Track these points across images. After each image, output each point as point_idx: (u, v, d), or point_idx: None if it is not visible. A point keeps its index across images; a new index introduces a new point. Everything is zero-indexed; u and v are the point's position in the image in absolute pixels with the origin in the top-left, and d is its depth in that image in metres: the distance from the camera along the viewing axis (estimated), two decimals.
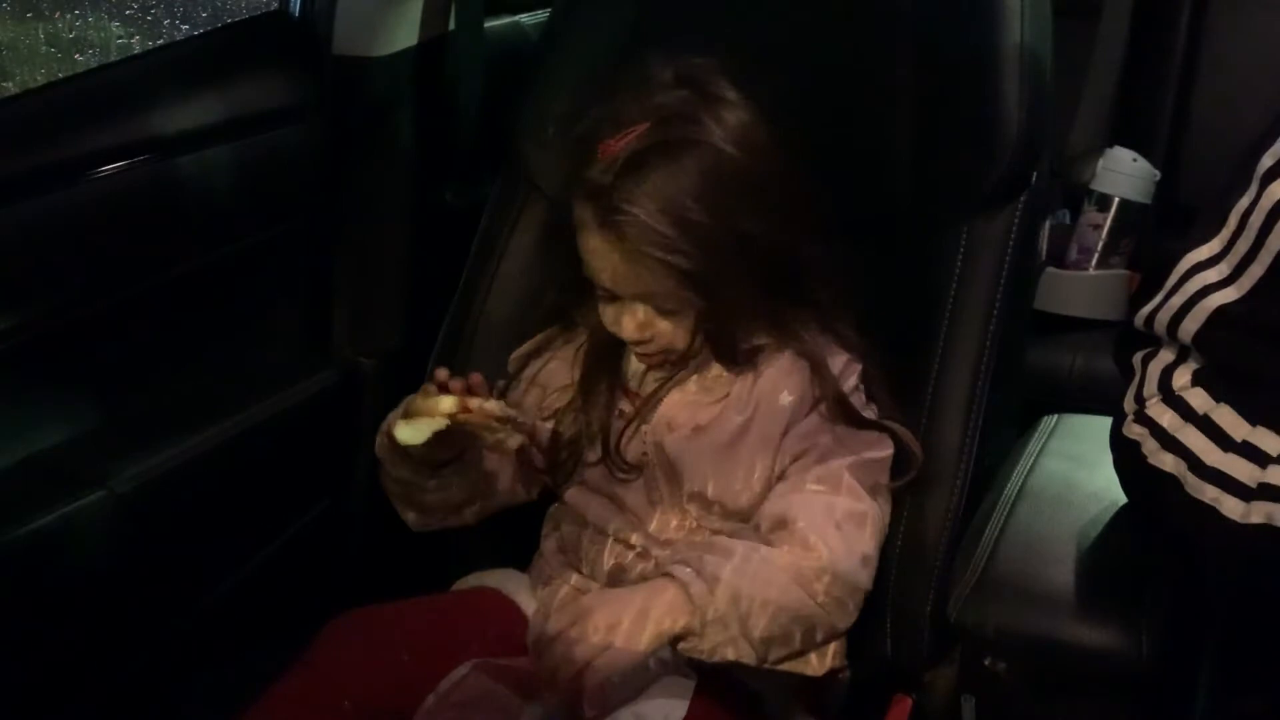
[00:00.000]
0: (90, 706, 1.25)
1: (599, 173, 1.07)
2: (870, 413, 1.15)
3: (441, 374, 1.13)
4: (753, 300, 1.11)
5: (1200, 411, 1.02)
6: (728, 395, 1.14)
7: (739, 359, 1.14)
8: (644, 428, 1.15)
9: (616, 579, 1.16)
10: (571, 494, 1.20)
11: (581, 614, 1.05)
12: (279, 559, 1.45)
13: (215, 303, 1.39)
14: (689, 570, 1.06)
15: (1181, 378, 1.05)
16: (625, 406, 1.17)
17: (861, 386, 1.16)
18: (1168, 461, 1.03)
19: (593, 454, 1.18)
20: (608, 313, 1.13)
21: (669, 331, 1.12)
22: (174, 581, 1.32)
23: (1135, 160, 1.91)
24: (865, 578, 1.11)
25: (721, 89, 1.10)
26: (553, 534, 1.22)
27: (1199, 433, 1.01)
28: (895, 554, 1.16)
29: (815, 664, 1.12)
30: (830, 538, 1.08)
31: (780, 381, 1.13)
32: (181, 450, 1.31)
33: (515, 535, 1.27)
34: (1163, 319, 1.05)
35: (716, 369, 1.15)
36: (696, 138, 1.07)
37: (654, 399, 1.16)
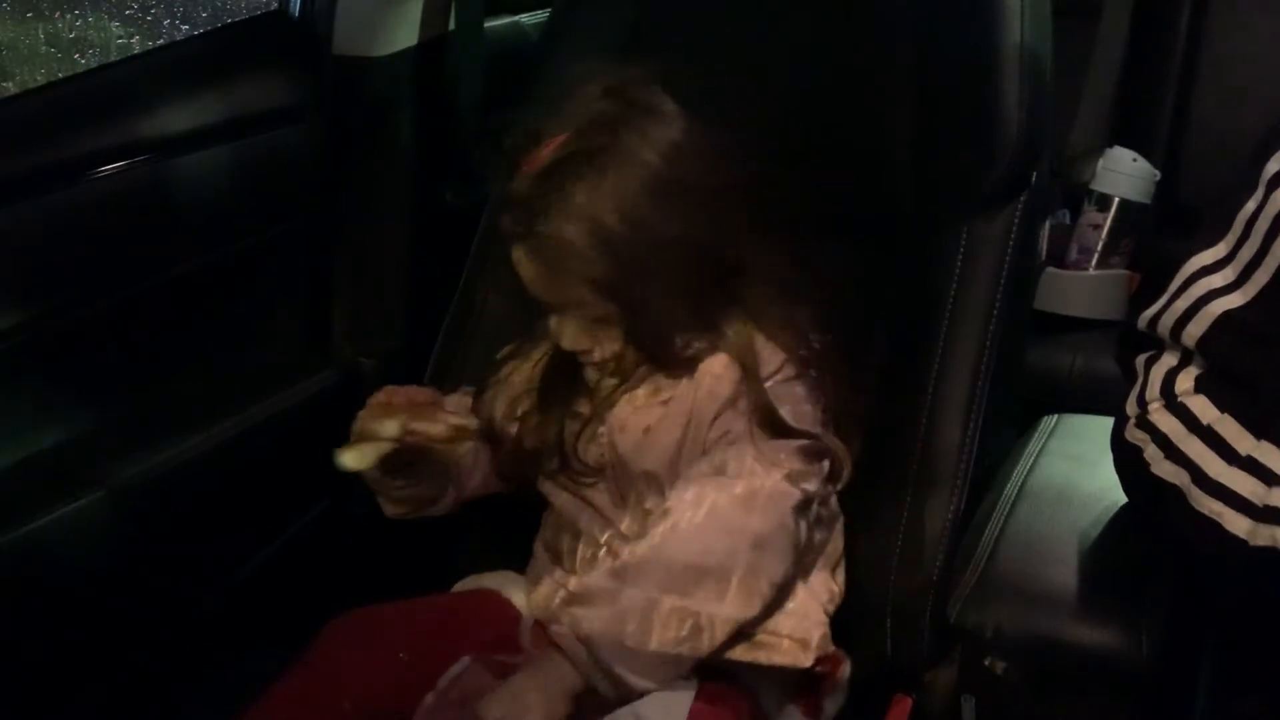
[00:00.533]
0: (90, 706, 1.25)
1: (517, 184, 1.07)
2: (805, 419, 1.11)
3: (383, 394, 1.15)
4: (678, 307, 1.09)
5: (1204, 422, 1.01)
6: (671, 399, 1.13)
7: (679, 364, 1.12)
8: (600, 429, 1.14)
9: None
10: (550, 492, 1.20)
11: None
12: (279, 559, 1.45)
13: (215, 303, 1.39)
14: (567, 635, 1.07)
15: (1184, 383, 1.05)
16: (583, 409, 1.16)
17: (800, 390, 1.12)
18: (1170, 471, 1.02)
19: (551, 458, 1.17)
20: (550, 322, 1.13)
21: (603, 342, 1.11)
22: (174, 581, 1.32)
23: (1135, 160, 1.91)
24: (761, 562, 1.05)
25: (651, 100, 1.08)
26: (542, 532, 1.22)
27: (1203, 444, 1.01)
28: (895, 554, 1.16)
29: (802, 655, 1.09)
30: (693, 527, 1.05)
31: (713, 386, 1.11)
32: (181, 450, 1.31)
33: (514, 536, 1.27)
34: (1166, 322, 1.04)
35: (663, 376, 1.13)
36: (613, 146, 1.05)
37: (607, 402, 1.15)
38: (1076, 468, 1.26)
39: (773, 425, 1.09)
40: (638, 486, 1.14)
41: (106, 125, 1.26)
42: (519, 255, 1.08)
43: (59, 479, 1.21)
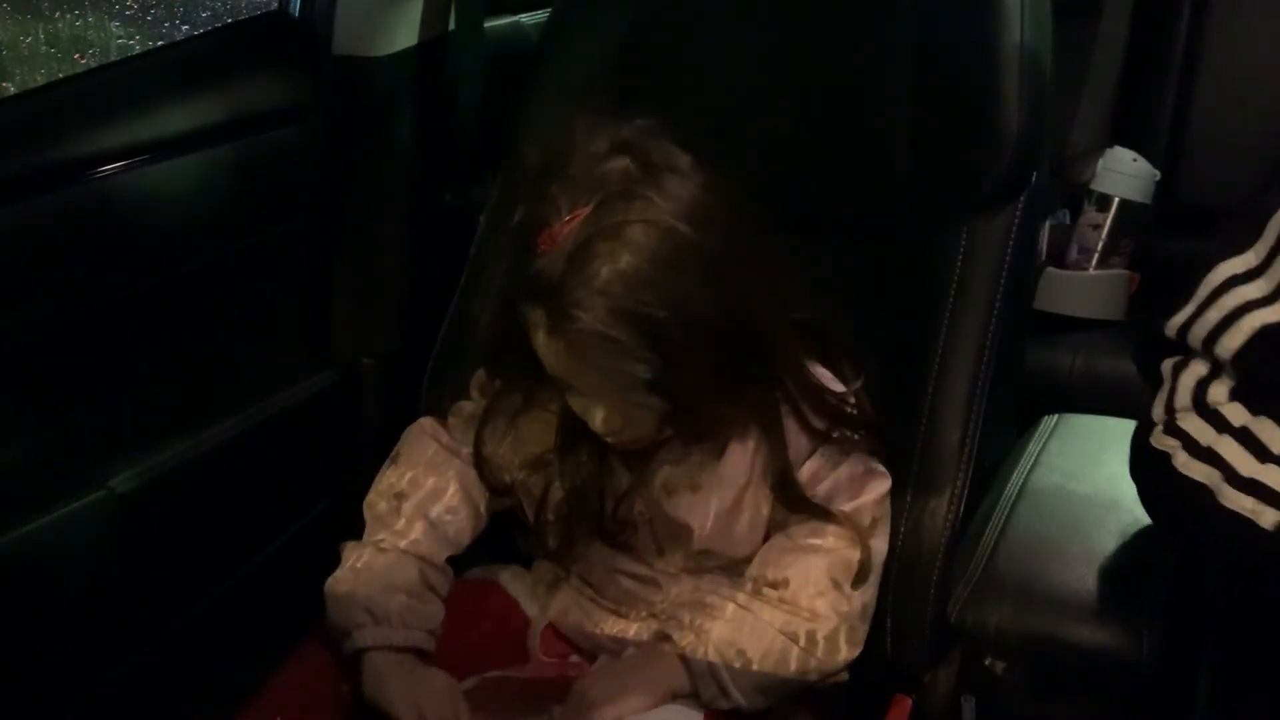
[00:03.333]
0: (90, 706, 1.25)
1: (543, 267, 0.98)
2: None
3: None
4: (713, 382, 1.04)
5: (1236, 424, 0.99)
6: (724, 453, 1.11)
7: (709, 435, 1.10)
8: (643, 492, 1.12)
9: (622, 601, 1.16)
10: (573, 542, 1.16)
11: (590, 706, 1.05)
12: (279, 559, 1.45)
13: (215, 303, 1.39)
14: (682, 631, 1.07)
15: (1217, 393, 1.03)
16: (617, 466, 1.12)
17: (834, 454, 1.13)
18: (1200, 471, 1.00)
19: (582, 518, 1.14)
20: (575, 403, 1.07)
21: (636, 423, 1.06)
22: (174, 581, 1.32)
23: (1135, 160, 1.90)
24: (862, 622, 1.11)
25: (666, 155, 1.01)
26: (558, 557, 1.20)
27: (1236, 443, 0.99)
28: (895, 554, 1.16)
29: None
30: (819, 600, 1.08)
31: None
32: (181, 450, 1.31)
33: (514, 536, 1.27)
34: (1198, 333, 1.02)
35: (706, 458, 1.11)
36: (642, 218, 0.97)
37: (648, 462, 1.12)
38: (1077, 467, 1.26)
39: (794, 502, 1.11)
40: (679, 542, 1.13)
41: (106, 125, 1.26)
42: (549, 346, 1.01)
43: (59, 479, 1.21)
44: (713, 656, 1.06)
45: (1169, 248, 1.97)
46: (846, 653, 1.10)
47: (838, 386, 1.12)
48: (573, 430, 1.11)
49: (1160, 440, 1.03)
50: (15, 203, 1.17)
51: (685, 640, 1.07)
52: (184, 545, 1.32)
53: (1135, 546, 1.14)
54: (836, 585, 1.09)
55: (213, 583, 1.36)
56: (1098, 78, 2.13)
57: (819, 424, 1.10)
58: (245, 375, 1.43)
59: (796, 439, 1.10)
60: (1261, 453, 0.97)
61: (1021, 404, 1.35)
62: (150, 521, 1.27)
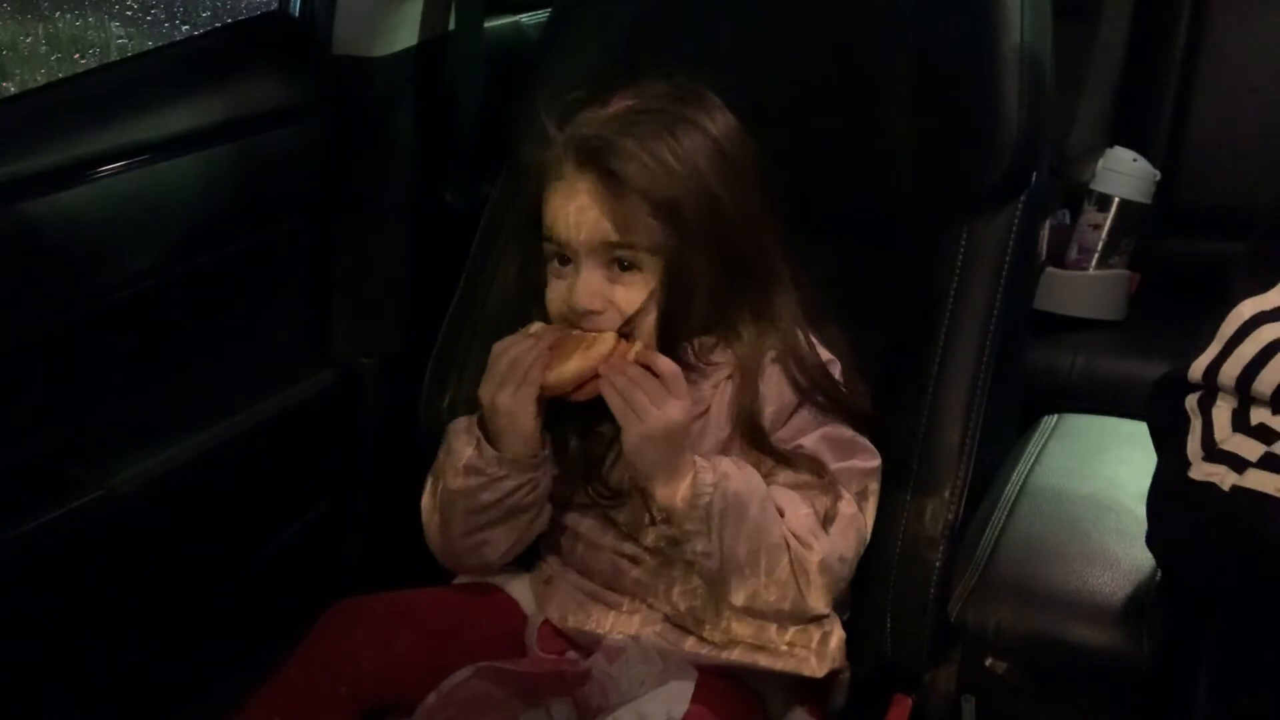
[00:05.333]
0: (90, 706, 1.25)
1: (583, 124, 1.10)
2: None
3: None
4: (713, 285, 1.10)
5: None
6: (707, 411, 1.13)
7: (692, 355, 1.12)
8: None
9: (613, 582, 1.16)
10: (566, 504, 1.18)
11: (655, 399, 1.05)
12: (279, 559, 1.45)
13: (215, 302, 1.39)
14: (707, 465, 1.07)
15: (1259, 415, 1.01)
16: (606, 430, 1.14)
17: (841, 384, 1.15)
18: (1260, 480, 0.97)
19: (572, 479, 1.16)
20: (560, 288, 1.11)
21: (624, 300, 1.09)
22: (174, 581, 1.32)
23: (1135, 160, 1.90)
24: (840, 574, 1.12)
25: (711, 98, 1.13)
26: (552, 533, 1.22)
27: None
28: (895, 554, 1.16)
29: (815, 665, 1.12)
30: (809, 531, 1.09)
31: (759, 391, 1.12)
32: (181, 450, 1.31)
33: None
34: (1230, 371, 0.99)
35: (692, 390, 1.12)
36: (681, 115, 1.10)
37: None
38: (1076, 468, 1.26)
39: (837, 401, 1.14)
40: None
41: (106, 125, 1.26)
42: (572, 187, 1.08)
43: (59, 479, 1.21)
44: (719, 494, 1.06)
45: (1169, 248, 1.98)
46: (819, 596, 1.10)
47: (825, 355, 1.15)
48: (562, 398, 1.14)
49: (1202, 470, 0.99)
50: (15, 203, 1.17)
51: (705, 470, 1.06)
52: (184, 545, 1.32)
53: (1135, 546, 1.14)
54: (824, 525, 1.10)
55: (213, 583, 1.36)
56: (1098, 78, 2.13)
57: (804, 381, 1.13)
58: (245, 375, 1.43)
59: (779, 388, 1.12)
60: None
61: (1021, 404, 1.35)
62: (150, 521, 1.27)
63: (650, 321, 1.10)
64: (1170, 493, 1.02)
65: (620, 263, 1.09)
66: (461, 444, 1.13)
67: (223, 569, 1.38)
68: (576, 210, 1.08)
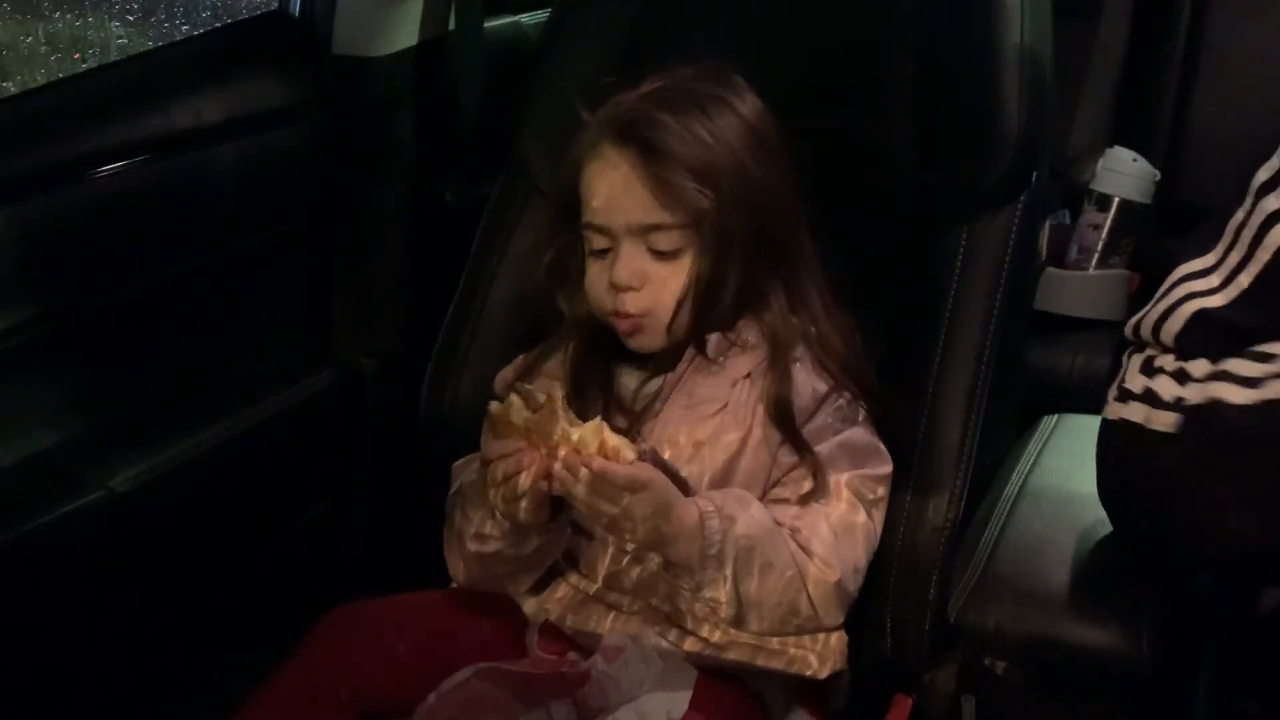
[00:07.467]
0: (90, 706, 1.25)
1: (619, 100, 1.11)
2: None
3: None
4: (748, 256, 1.11)
5: (1197, 375, 1.01)
6: (725, 407, 1.14)
7: (718, 347, 1.13)
8: (642, 446, 1.13)
9: (614, 582, 1.16)
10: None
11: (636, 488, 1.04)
12: (279, 559, 1.45)
13: (215, 302, 1.39)
14: (712, 507, 1.07)
15: (1161, 361, 1.05)
16: (620, 423, 1.15)
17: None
18: (1137, 411, 1.01)
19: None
20: (596, 269, 1.12)
21: (661, 280, 1.10)
22: (174, 582, 1.32)
23: (1135, 160, 1.90)
24: (854, 587, 1.13)
25: (738, 79, 1.15)
26: None
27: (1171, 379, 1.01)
28: (895, 554, 1.16)
29: (816, 666, 1.12)
30: (828, 548, 1.10)
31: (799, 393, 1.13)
32: (181, 450, 1.31)
33: None
34: (1147, 323, 1.04)
35: (705, 386, 1.14)
36: (713, 96, 1.11)
37: (649, 414, 1.15)
38: (1076, 468, 1.26)
39: (865, 390, 1.15)
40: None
41: (107, 125, 1.26)
42: (612, 165, 1.09)
43: (59, 479, 1.21)
44: (729, 538, 1.06)
45: (1169, 248, 1.97)
46: (836, 613, 1.11)
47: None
48: (581, 381, 1.16)
49: (1115, 410, 1.03)
50: (15, 203, 1.17)
51: (712, 516, 1.06)
52: (184, 545, 1.32)
53: (1135, 547, 1.14)
54: (835, 537, 1.11)
55: (213, 583, 1.36)
56: (1098, 78, 2.13)
57: (832, 365, 1.14)
58: (245, 375, 1.43)
59: (806, 380, 1.13)
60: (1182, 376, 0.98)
61: (1021, 404, 1.35)
62: (150, 521, 1.27)
63: (686, 311, 1.11)
64: (1102, 431, 1.07)
65: (658, 252, 1.10)
66: (478, 515, 1.13)
67: (223, 569, 1.38)
68: (617, 186, 1.09)
